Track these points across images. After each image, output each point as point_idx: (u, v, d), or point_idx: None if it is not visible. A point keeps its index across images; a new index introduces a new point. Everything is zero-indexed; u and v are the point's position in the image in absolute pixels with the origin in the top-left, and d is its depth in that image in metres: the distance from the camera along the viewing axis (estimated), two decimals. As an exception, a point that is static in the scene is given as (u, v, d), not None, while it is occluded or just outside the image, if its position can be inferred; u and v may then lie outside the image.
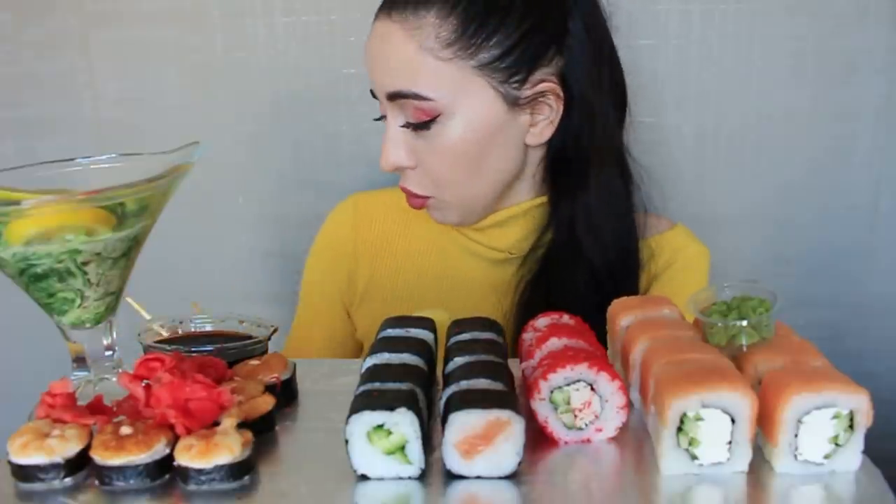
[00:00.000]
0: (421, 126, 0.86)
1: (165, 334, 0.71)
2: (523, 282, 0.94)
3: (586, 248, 0.92)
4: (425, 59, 0.84)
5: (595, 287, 0.90)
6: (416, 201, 0.92)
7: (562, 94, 0.88)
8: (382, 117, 0.91)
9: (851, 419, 0.51)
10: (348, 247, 1.03)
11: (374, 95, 0.90)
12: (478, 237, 0.97)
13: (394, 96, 0.86)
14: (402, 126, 0.87)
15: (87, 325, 0.62)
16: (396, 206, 1.00)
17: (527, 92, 0.87)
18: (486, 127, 0.87)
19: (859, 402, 0.51)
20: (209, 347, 0.65)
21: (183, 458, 0.51)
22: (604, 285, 0.90)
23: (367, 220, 1.03)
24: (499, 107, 0.86)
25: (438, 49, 0.84)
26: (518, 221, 0.95)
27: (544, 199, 0.95)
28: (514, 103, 0.87)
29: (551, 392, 0.56)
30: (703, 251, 0.98)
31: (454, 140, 0.86)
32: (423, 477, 0.52)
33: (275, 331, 0.69)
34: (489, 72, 0.85)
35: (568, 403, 0.56)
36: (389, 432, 0.51)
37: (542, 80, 0.87)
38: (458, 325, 0.66)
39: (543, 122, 0.89)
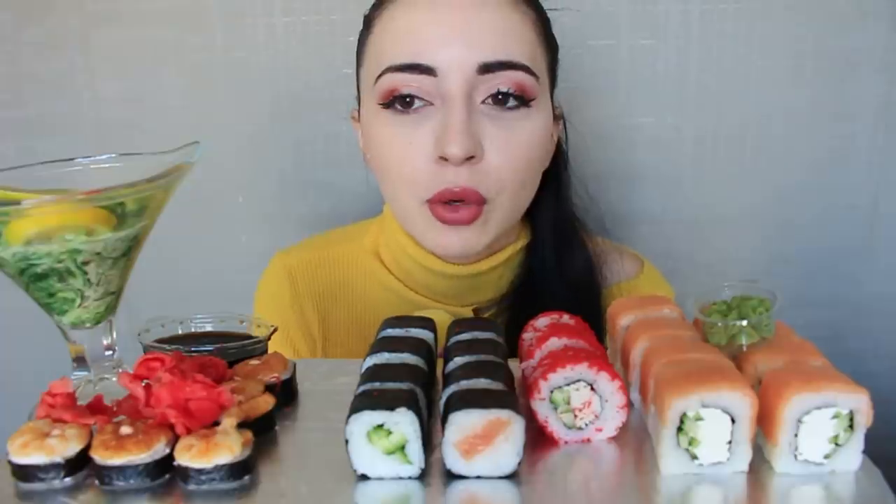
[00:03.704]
0: (516, 105, 0.75)
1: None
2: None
3: (555, 295, 0.84)
4: (531, 35, 0.77)
5: None
6: (471, 211, 0.76)
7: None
8: (405, 100, 0.76)
9: (851, 419, 0.51)
10: (293, 307, 0.94)
11: (416, 69, 0.75)
12: (441, 290, 0.85)
13: (493, 67, 0.74)
14: (488, 102, 0.75)
15: (87, 324, 0.62)
16: (327, 260, 0.93)
17: (556, 108, 0.84)
18: (549, 128, 0.80)
19: (859, 402, 0.51)
20: (209, 347, 0.65)
21: (183, 458, 0.51)
22: None
23: (300, 275, 0.95)
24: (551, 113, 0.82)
25: (541, 31, 0.78)
26: (497, 272, 0.85)
27: (524, 242, 0.87)
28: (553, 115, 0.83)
29: (551, 392, 0.56)
30: (670, 295, 0.93)
31: (531, 132, 0.77)
32: (423, 477, 0.52)
33: (275, 330, 0.69)
34: (551, 77, 0.81)
35: (568, 403, 0.56)
36: (389, 432, 0.51)
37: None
38: (458, 325, 0.66)
39: (552, 143, 0.85)
